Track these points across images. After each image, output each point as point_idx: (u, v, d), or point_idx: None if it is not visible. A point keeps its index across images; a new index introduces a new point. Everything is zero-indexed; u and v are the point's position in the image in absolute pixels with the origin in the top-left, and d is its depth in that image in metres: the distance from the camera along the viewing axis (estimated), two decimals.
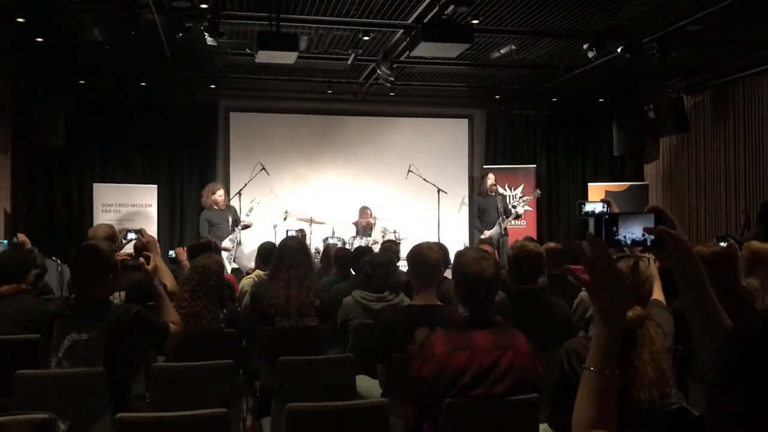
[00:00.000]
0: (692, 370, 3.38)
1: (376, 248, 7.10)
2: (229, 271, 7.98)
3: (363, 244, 8.23)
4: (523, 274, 3.83)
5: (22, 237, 6.51)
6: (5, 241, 7.62)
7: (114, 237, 4.72)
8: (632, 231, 1.46)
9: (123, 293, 4.32)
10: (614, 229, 1.46)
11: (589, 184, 11.10)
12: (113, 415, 2.77)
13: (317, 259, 7.73)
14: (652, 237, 1.44)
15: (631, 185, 10.91)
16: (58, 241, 8.74)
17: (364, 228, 9.76)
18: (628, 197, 10.43)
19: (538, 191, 10.57)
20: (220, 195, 8.92)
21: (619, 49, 7.38)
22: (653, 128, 10.68)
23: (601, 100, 10.73)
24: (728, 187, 9.43)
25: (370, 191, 10.73)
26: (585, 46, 7.36)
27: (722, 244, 5.86)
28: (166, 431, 2.50)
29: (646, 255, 2.33)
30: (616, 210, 2.41)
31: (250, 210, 9.02)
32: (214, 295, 3.91)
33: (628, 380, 2.25)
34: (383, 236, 9.30)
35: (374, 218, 9.90)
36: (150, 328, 3.22)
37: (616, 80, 9.30)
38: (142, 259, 3.52)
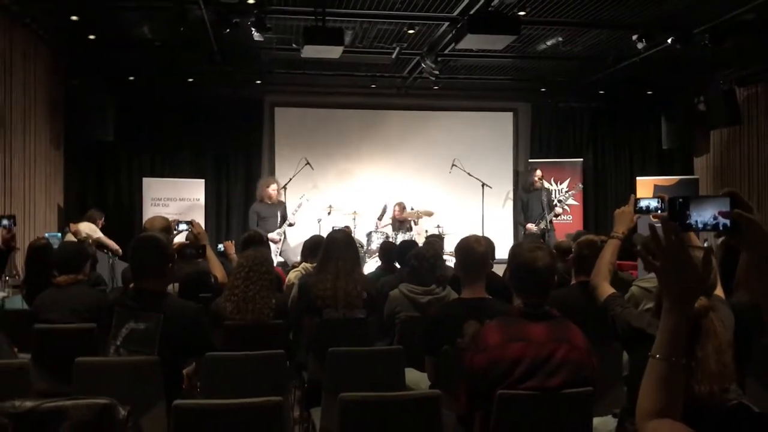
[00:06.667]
0: (750, 367, 3.30)
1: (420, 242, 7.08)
2: (275, 264, 8.06)
3: (407, 239, 8.22)
4: (584, 266, 3.78)
5: (74, 227, 6.69)
6: (59, 234, 7.84)
7: (169, 229, 4.83)
8: (704, 215, 1.40)
9: (177, 285, 4.41)
10: (687, 213, 1.41)
11: (637, 178, 10.89)
12: (167, 402, 2.83)
13: (362, 253, 7.76)
14: (726, 221, 1.38)
15: (680, 179, 10.67)
16: (108, 235, 8.95)
17: (400, 223, 9.69)
18: (678, 191, 10.19)
19: (580, 185, 10.45)
20: (273, 189, 9.01)
21: (669, 40, 7.21)
22: (703, 121, 10.43)
23: (649, 92, 10.50)
24: None
25: (413, 186, 10.71)
26: (634, 38, 7.22)
27: None
28: (223, 418, 2.53)
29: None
30: None
31: (299, 206, 9.08)
32: (266, 280, 3.98)
33: (689, 372, 2.21)
34: (426, 231, 9.27)
35: (415, 211, 9.74)
36: (201, 335, 3.28)
37: (665, 72, 9.10)
38: (193, 220, 3.57)
